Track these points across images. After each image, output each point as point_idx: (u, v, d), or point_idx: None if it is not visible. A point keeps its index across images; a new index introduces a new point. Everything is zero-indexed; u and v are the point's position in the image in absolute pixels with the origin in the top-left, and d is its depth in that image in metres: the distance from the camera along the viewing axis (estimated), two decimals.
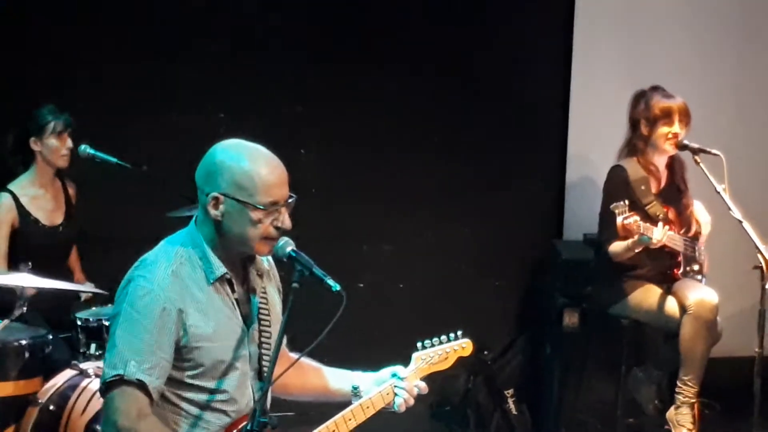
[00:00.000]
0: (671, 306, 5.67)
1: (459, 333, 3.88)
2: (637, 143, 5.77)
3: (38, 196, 5.62)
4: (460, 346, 3.87)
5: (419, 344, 3.79)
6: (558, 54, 6.74)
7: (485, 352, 6.46)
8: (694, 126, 5.73)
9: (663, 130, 5.68)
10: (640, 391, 6.03)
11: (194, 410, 3.32)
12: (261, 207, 3.26)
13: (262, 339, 3.43)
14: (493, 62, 6.67)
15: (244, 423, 3.30)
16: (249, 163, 3.27)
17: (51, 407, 4.74)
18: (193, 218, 3.39)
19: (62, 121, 5.54)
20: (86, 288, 5.56)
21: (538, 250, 6.73)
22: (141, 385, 3.20)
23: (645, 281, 5.75)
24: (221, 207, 3.28)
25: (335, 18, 6.39)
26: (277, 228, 3.30)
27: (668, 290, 5.74)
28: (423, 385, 3.72)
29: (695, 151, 5.62)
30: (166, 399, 3.30)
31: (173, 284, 3.26)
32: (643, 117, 5.73)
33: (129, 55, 6.03)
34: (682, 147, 5.70)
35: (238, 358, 3.36)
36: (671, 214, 5.73)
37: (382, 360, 3.82)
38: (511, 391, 6.40)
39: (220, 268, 3.33)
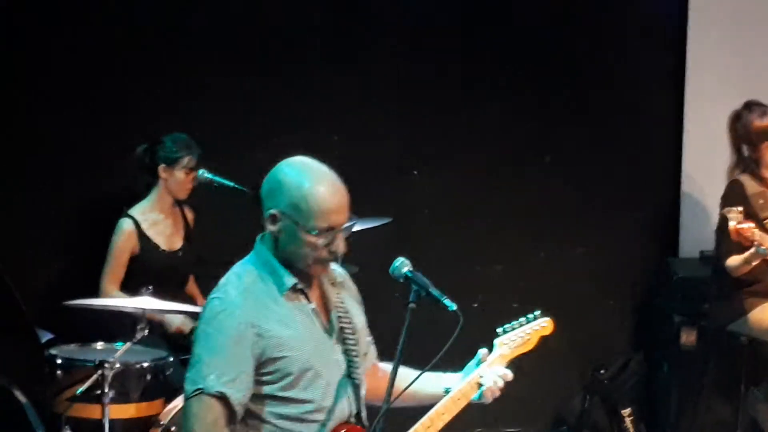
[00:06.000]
0: None
1: (537, 313, 3.85)
2: (747, 162, 5.68)
3: (158, 221, 5.68)
4: (540, 325, 3.85)
5: (499, 330, 3.77)
6: (671, 66, 6.67)
7: (601, 372, 6.41)
8: None
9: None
10: (759, 411, 5.91)
11: (289, 425, 3.32)
12: (314, 232, 3.28)
13: (348, 346, 3.43)
14: (603, 77, 6.63)
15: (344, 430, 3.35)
16: (309, 186, 3.30)
17: (173, 428, 4.82)
18: (258, 237, 3.44)
19: (195, 158, 5.58)
20: None
21: (653, 268, 6.65)
22: (221, 398, 3.23)
23: (766, 298, 5.65)
24: (278, 224, 3.33)
25: (440, 43, 6.42)
26: (331, 252, 3.32)
27: None
28: (508, 372, 3.65)
29: None
30: (261, 419, 3.32)
31: (247, 300, 3.31)
32: (744, 141, 5.67)
33: (243, 78, 6.12)
34: None
35: (326, 366, 3.37)
36: None
37: None
38: (628, 411, 6.33)
39: (290, 279, 3.35)
